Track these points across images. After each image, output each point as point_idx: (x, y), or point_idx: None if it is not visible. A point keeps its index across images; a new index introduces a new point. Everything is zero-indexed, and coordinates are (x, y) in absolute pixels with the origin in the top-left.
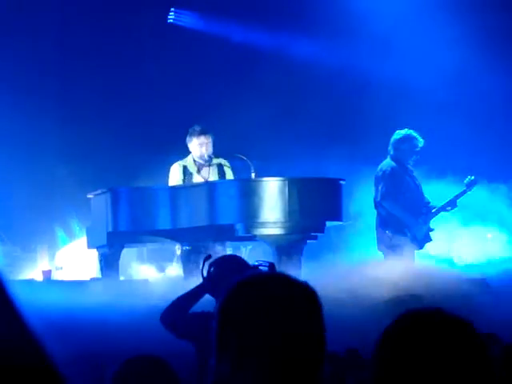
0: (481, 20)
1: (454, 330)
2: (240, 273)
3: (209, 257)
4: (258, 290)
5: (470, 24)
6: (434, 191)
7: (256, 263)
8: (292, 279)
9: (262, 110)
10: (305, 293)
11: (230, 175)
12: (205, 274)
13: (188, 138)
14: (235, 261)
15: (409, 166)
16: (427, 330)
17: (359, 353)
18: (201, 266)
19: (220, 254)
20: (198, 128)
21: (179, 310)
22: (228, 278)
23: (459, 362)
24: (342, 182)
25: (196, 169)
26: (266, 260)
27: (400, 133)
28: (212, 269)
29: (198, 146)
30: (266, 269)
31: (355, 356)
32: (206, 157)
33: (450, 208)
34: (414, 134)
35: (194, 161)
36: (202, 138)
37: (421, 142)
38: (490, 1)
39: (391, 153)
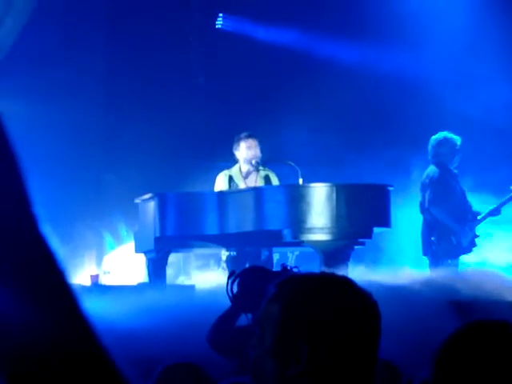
0: None
1: None
2: (268, 281)
3: (233, 273)
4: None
5: None
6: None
7: (286, 267)
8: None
9: (309, 116)
10: (370, 301)
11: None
12: (234, 289)
13: (235, 145)
14: (259, 271)
15: (454, 169)
16: (494, 341)
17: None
18: (226, 287)
19: (267, 260)
20: (244, 133)
21: (221, 332)
22: (257, 289)
23: None
24: (389, 188)
25: (242, 179)
26: (290, 265)
27: (435, 138)
28: (238, 286)
29: (246, 149)
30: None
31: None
32: (254, 161)
33: (494, 214)
34: (449, 134)
35: (240, 170)
36: (250, 141)
37: (458, 139)
38: None
39: (433, 160)
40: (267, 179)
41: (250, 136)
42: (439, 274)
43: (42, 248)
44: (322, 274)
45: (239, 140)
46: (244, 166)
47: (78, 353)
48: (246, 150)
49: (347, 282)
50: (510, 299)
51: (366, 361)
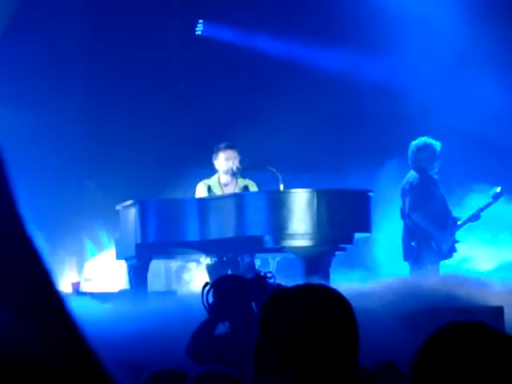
0: None
1: (498, 345)
2: (242, 289)
3: (206, 284)
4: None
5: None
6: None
7: (260, 274)
8: (328, 290)
9: (289, 123)
10: (341, 303)
11: None
12: (210, 300)
13: (214, 155)
14: (232, 279)
15: (434, 175)
16: (471, 343)
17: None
18: (201, 297)
19: (248, 266)
20: (223, 144)
21: (199, 342)
22: (233, 297)
23: (502, 376)
24: (370, 193)
25: (220, 189)
26: (263, 270)
27: (415, 143)
28: (213, 296)
29: (225, 160)
30: (273, 280)
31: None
32: (231, 171)
33: (474, 220)
34: (429, 140)
35: (219, 181)
36: (229, 152)
37: (438, 145)
38: None
39: (413, 165)
40: (246, 190)
41: (228, 147)
42: (419, 279)
43: (29, 248)
44: (299, 287)
45: (218, 150)
46: (223, 176)
47: (68, 358)
48: (224, 161)
49: (322, 291)
50: (482, 304)
51: (345, 364)
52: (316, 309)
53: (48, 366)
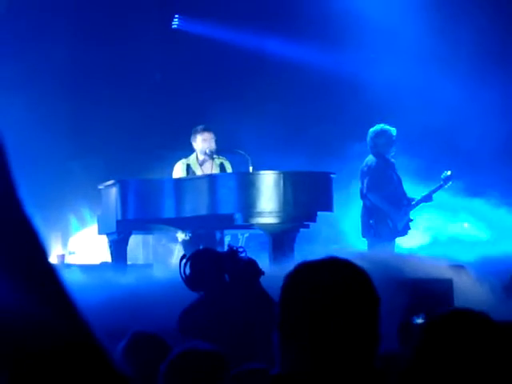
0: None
1: (500, 335)
2: (217, 261)
3: (184, 256)
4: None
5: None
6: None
7: (233, 248)
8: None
9: (259, 109)
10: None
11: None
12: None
13: (192, 137)
14: (208, 252)
15: (391, 158)
16: (475, 330)
17: None
18: (179, 269)
19: (219, 241)
20: (201, 126)
21: (187, 319)
22: (208, 269)
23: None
24: (332, 175)
25: (198, 166)
26: (235, 245)
27: (373, 130)
28: (190, 268)
29: (202, 141)
30: (244, 254)
31: None
32: (208, 151)
33: (426, 200)
34: (386, 126)
35: (197, 159)
36: (206, 134)
37: (394, 131)
38: None
39: (371, 150)
40: (222, 166)
41: (205, 129)
42: (377, 252)
43: (27, 228)
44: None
45: (196, 132)
46: (200, 155)
47: (65, 332)
48: (201, 142)
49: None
50: (443, 277)
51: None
52: (343, 283)
53: (46, 334)
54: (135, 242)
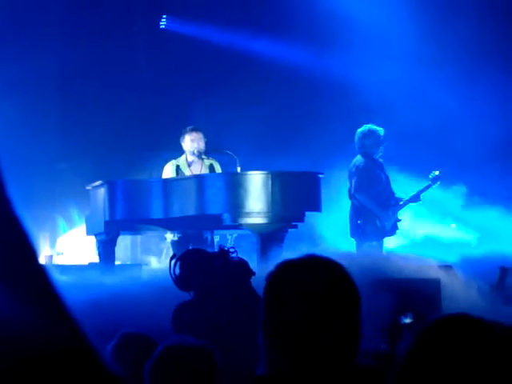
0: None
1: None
2: (208, 263)
3: (173, 256)
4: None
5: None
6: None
7: (223, 248)
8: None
9: (247, 110)
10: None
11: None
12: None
13: (181, 137)
14: (197, 252)
15: (379, 158)
16: (471, 336)
17: None
18: (169, 269)
19: (208, 242)
20: (190, 126)
21: (180, 320)
22: (197, 269)
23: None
24: (320, 175)
25: (188, 168)
26: (226, 245)
27: (360, 130)
28: (180, 268)
29: (191, 141)
30: (236, 255)
31: None
32: (196, 151)
33: (414, 201)
34: (373, 127)
35: (187, 160)
36: (194, 134)
37: (381, 131)
38: None
39: (359, 150)
40: (212, 168)
41: (193, 129)
42: (364, 253)
43: (18, 228)
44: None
45: (185, 133)
46: (189, 156)
47: (56, 333)
48: (189, 143)
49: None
50: (430, 277)
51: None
52: (324, 282)
53: (38, 337)
54: (124, 242)
